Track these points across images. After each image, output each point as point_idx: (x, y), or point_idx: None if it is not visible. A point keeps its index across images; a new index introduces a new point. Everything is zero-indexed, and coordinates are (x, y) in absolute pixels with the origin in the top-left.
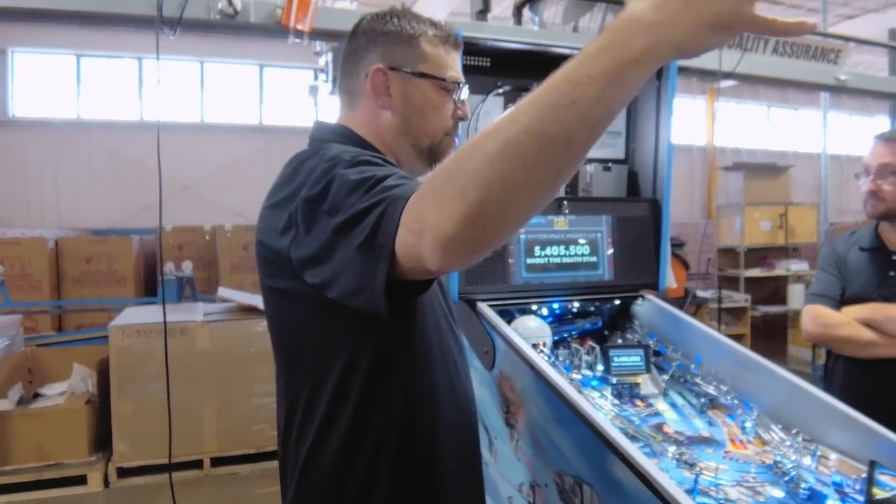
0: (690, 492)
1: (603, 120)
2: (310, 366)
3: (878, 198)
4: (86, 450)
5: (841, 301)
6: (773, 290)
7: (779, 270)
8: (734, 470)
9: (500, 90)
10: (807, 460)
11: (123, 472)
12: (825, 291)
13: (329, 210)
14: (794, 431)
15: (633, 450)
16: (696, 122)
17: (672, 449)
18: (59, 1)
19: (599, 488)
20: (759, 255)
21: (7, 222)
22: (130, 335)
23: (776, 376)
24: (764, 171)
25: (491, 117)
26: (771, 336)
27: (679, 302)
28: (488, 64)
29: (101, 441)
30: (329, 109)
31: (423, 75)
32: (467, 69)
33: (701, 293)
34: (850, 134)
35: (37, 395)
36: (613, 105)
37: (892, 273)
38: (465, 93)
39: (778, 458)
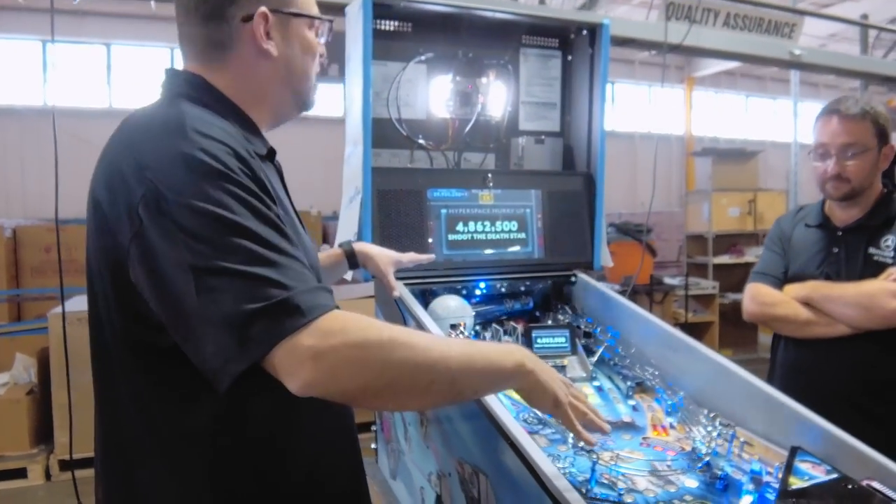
0: (588, 481)
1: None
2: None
3: (841, 179)
4: (27, 442)
5: (784, 279)
6: (743, 277)
7: (748, 257)
8: (648, 458)
9: (423, 57)
10: (725, 447)
11: (66, 465)
12: (767, 269)
13: (212, 246)
14: (711, 415)
15: (521, 435)
16: (673, 112)
17: (571, 438)
18: None
19: (493, 478)
20: (728, 242)
21: None
22: (71, 323)
23: (703, 357)
24: (732, 156)
25: (412, 85)
26: (740, 324)
27: (645, 289)
28: (410, 29)
29: (45, 433)
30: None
31: (302, 16)
32: (387, 35)
33: (668, 280)
34: None
35: None
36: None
37: (835, 250)
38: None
39: (697, 445)
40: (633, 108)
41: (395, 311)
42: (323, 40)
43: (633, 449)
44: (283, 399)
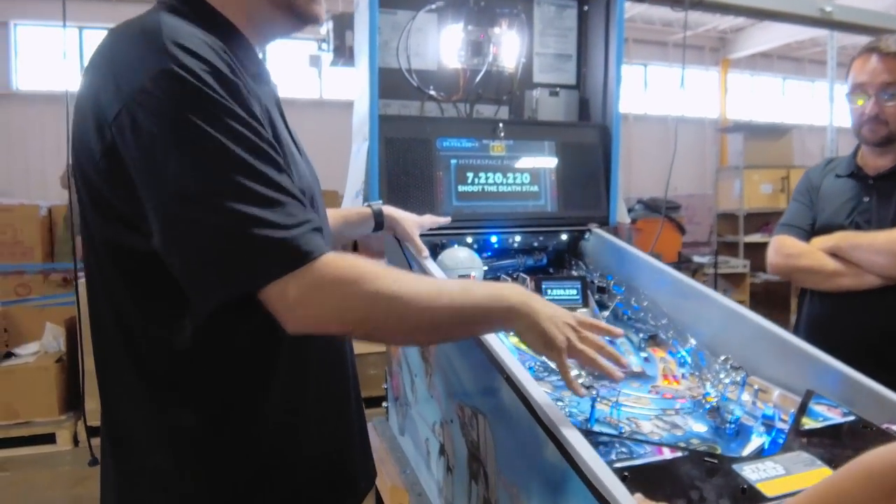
0: (588, 420)
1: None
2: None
3: (879, 121)
4: (55, 408)
5: (811, 231)
6: None
7: None
8: (656, 405)
9: (433, 6)
10: (737, 392)
11: (94, 431)
12: (793, 221)
13: (198, 176)
14: (723, 358)
15: (517, 368)
16: (708, 95)
17: (573, 372)
18: None
19: (491, 417)
20: (761, 221)
21: (7, 193)
22: None
23: (716, 304)
24: (765, 132)
25: (423, 35)
26: (773, 304)
27: (674, 268)
28: None
29: (73, 400)
30: (332, 80)
31: None
32: None
33: (697, 258)
34: None
35: (10, 355)
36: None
37: (866, 199)
38: None
39: (708, 392)
40: (666, 91)
41: (404, 263)
42: None
43: (641, 395)
44: (268, 327)
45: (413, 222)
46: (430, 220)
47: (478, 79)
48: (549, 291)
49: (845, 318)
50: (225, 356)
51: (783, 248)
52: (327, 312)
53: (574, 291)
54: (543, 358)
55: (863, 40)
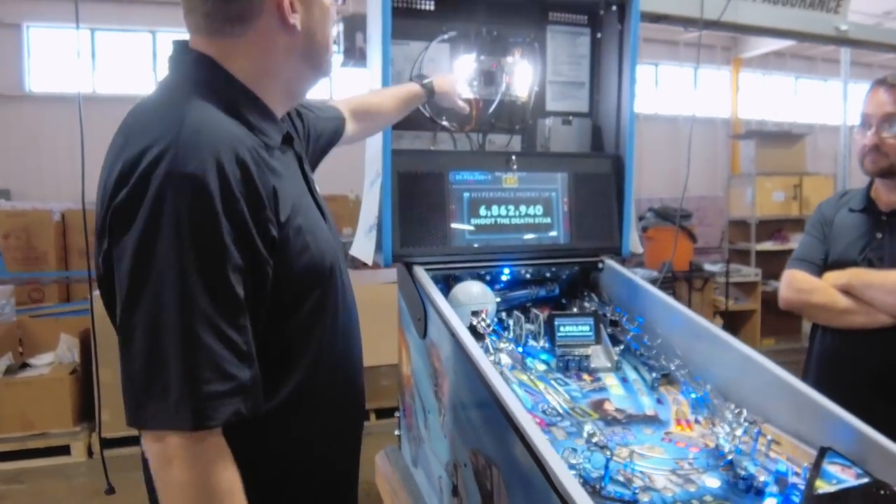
0: (602, 478)
1: None
2: None
3: (880, 152)
4: (70, 420)
5: (823, 266)
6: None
7: (793, 244)
8: (669, 455)
9: (446, 36)
10: (750, 445)
11: (108, 443)
12: (805, 255)
13: (152, 299)
14: (737, 411)
15: (531, 427)
16: (719, 94)
17: (588, 427)
18: None
19: (505, 471)
20: (772, 228)
21: (21, 195)
22: None
23: (731, 348)
24: (778, 139)
25: (435, 65)
26: (784, 312)
27: (684, 275)
28: (432, 7)
29: (86, 411)
30: (342, 82)
31: None
32: (408, 13)
33: (709, 267)
34: None
35: (25, 366)
36: None
37: (879, 235)
38: None
39: (721, 442)
40: (677, 90)
41: (416, 297)
42: (340, 2)
43: (654, 445)
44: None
45: (455, 92)
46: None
47: (491, 109)
48: (561, 328)
49: (857, 353)
50: None
51: (795, 283)
52: (174, 486)
53: (587, 328)
54: (560, 401)
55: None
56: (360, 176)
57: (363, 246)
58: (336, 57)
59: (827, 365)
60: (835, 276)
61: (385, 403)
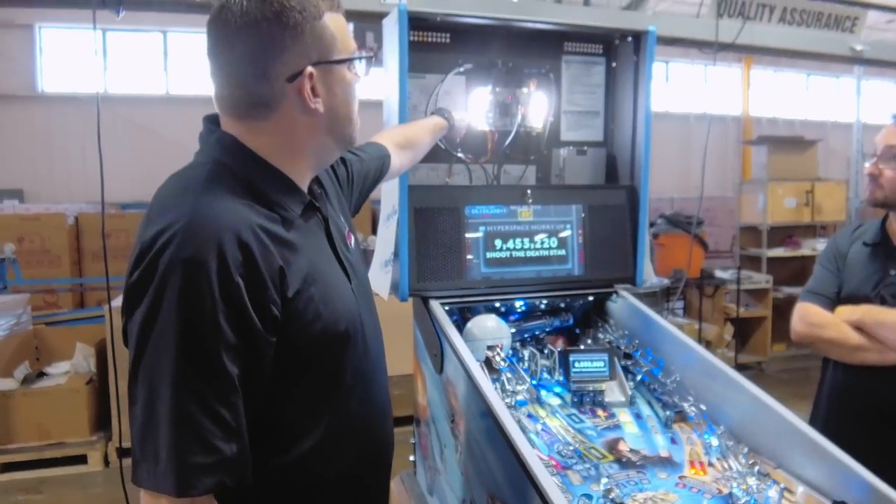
0: None
1: None
2: None
3: (876, 183)
4: (86, 429)
5: (836, 300)
6: (799, 269)
7: (804, 250)
8: (682, 501)
9: (462, 69)
10: (763, 496)
11: (124, 452)
12: (819, 289)
13: (151, 377)
14: (752, 462)
15: (549, 485)
16: (730, 92)
17: (605, 481)
18: None
19: None
20: (784, 234)
21: (33, 195)
22: None
23: (744, 391)
24: (790, 144)
25: (451, 98)
26: None
27: (696, 282)
28: (448, 40)
29: (102, 420)
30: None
31: (345, 60)
32: (424, 46)
33: (720, 273)
34: (892, 102)
35: (42, 374)
36: None
37: (893, 272)
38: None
39: (734, 490)
40: (687, 88)
41: (432, 332)
42: (363, 76)
43: (668, 490)
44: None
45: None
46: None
47: (507, 142)
48: (576, 364)
49: (868, 389)
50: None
51: (807, 317)
52: None
53: (601, 364)
54: (575, 442)
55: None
56: None
57: (379, 279)
58: None
59: (837, 399)
60: (847, 312)
61: (397, 413)
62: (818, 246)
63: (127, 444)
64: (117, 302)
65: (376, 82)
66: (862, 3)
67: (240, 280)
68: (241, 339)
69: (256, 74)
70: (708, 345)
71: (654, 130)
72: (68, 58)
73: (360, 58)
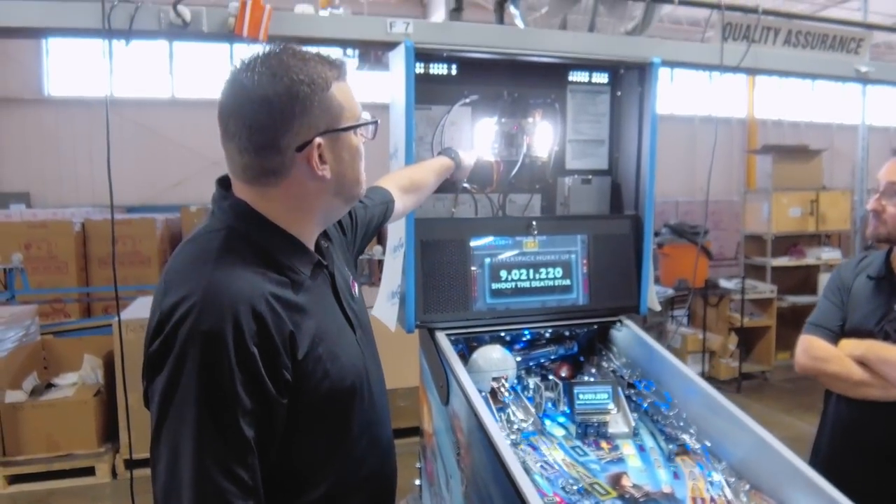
0: None
1: None
2: None
3: (880, 219)
4: (94, 441)
5: (840, 333)
6: (803, 278)
7: (809, 259)
8: None
9: (468, 100)
10: None
11: (133, 464)
12: (823, 321)
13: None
14: (752, 501)
15: None
16: (735, 95)
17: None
18: (4, 17)
19: None
20: (789, 243)
21: (40, 198)
22: (135, 329)
23: (746, 428)
24: (795, 154)
25: (457, 128)
26: (799, 327)
27: (700, 292)
28: (454, 72)
29: (110, 432)
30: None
31: (349, 128)
32: (430, 79)
33: (725, 283)
34: None
35: (50, 386)
36: None
37: None
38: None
39: None
40: (692, 90)
41: (438, 364)
42: (370, 137)
43: None
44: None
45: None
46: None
47: (513, 172)
48: (580, 396)
49: (871, 424)
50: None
51: (811, 350)
52: None
53: (605, 395)
54: (582, 474)
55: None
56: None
57: (386, 310)
58: (351, 61)
59: (841, 433)
60: (851, 347)
61: (402, 424)
62: (823, 255)
63: (136, 455)
64: (126, 314)
65: (383, 84)
66: (867, 24)
67: (255, 349)
68: (256, 404)
69: (267, 145)
70: (712, 355)
71: (659, 133)
72: (75, 61)
73: (365, 124)
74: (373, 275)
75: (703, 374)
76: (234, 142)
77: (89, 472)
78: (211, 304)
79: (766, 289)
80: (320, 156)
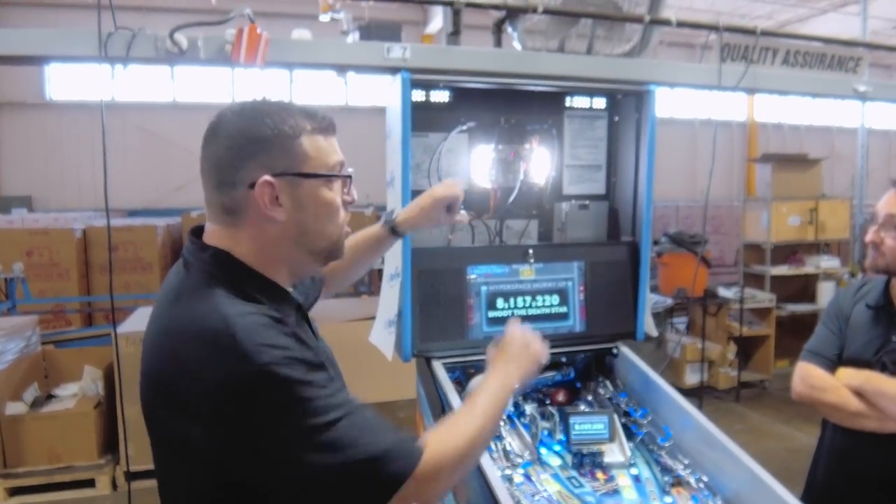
0: None
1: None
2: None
3: (878, 251)
4: (95, 453)
5: (838, 361)
6: (802, 286)
7: (808, 268)
8: None
9: (465, 127)
10: None
11: (133, 476)
12: (820, 349)
13: (320, 445)
14: None
15: None
16: (735, 98)
17: None
18: (5, 46)
19: None
20: (788, 252)
21: (42, 202)
22: (134, 343)
23: (740, 464)
24: (794, 163)
25: (454, 155)
26: (798, 335)
27: (699, 301)
28: (451, 100)
29: (110, 443)
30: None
31: (312, 176)
32: (427, 106)
33: (724, 292)
34: None
35: (51, 397)
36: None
37: (895, 338)
38: (352, 179)
39: None
40: (692, 93)
41: (434, 394)
42: (347, 198)
43: None
44: None
45: (435, 213)
46: (443, 191)
47: (511, 199)
48: (576, 426)
49: (866, 454)
50: None
51: (808, 379)
52: (440, 489)
53: (601, 426)
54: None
55: None
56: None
57: (383, 339)
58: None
59: (836, 462)
60: (848, 377)
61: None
62: (822, 264)
63: (135, 467)
64: (125, 326)
65: (376, 87)
66: (865, 44)
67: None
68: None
69: (225, 180)
70: (711, 364)
71: (659, 136)
72: (77, 66)
73: (328, 175)
74: (372, 283)
75: (701, 384)
76: (204, 179)
77: (89, 483)
78: (250, 343)
79: (765, 297)
80: (276, 197)
